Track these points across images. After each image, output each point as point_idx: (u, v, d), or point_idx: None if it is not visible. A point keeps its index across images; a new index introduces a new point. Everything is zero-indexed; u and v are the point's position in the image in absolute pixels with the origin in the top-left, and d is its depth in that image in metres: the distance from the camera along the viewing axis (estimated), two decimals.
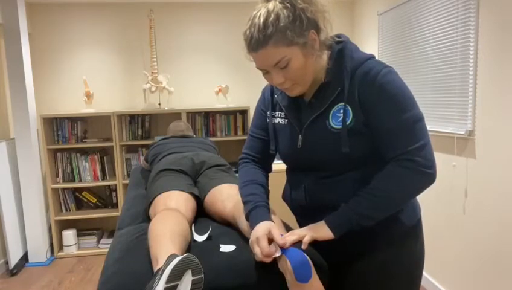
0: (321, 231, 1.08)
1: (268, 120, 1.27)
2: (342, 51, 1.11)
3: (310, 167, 1.17)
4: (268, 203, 1.21)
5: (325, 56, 1.12)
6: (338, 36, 1.16)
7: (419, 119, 1.04)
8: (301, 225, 1.28)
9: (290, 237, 1.08)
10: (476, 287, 2.32)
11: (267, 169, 1.34)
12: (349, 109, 1.07)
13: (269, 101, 1.27)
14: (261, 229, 1.09)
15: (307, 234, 1.08)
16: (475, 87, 2.23)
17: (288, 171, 1.30)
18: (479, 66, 2.19)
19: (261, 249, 1.05)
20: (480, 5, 2.16)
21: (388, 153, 1.07)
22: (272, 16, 1.00)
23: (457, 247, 2.47)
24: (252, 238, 1.09)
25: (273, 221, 1.15)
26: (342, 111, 1.08)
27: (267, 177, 1.31)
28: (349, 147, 1.07)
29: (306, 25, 1.02)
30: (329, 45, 1.11)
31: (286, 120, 1.21)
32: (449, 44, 2.42)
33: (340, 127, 1.08)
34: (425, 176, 1.04)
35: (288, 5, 1.01)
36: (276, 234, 1.07)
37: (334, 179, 1.13)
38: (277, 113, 1.25)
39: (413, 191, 1.07)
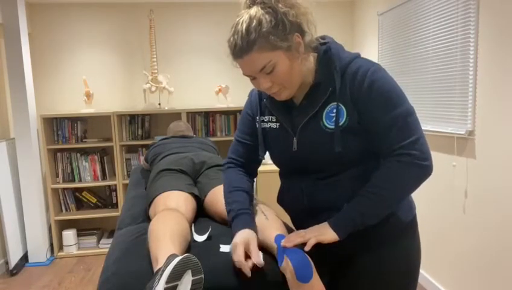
0: (326, 233, 1.08)
1: (257, 125, 1.25)
2: (328, 52, 1.11)
3: (306, 169, 1.17)
4: (250, 210, 1.19)
5: (311, 58, 1.13)
6: (322, 38, 1.16)
7: (410, 113, 1.05)
8: (298, 228, 1.27)
9: (294, 238, 1.08)
10: (476, 287, 2.32)
11: (252, 174, 1.33)
12: (343, 108, 1.08)
13: (257, 105, 1.26)
14: (240, 236, 1.10)
15: (312, 236, 1.08)
16: (475, 87, 2.23)
17: (282, 176, 1.29)
18: (479, 66, 2.19)
19: (235, 256, 1.06)
20: (480, 5, 2.16)
21: (383, 149, 1.07)
22: (254, 21, 1.00)
23: (457, 247, 2.47)
24: (231, 245, 1.10)
25: (255, 228, 1.15)
26: (335, 111, 1.08)
27: (251, 183, 1.30)
28: (343, 146, 1.07)
29: (289, 28, 1.02)
30: (314, 47, 1.12)
31: (278, 124, 1.19)
32: (449, 44, 2.42)
33: (334, 127, 1.08)
34: (423, 168, 1.05)
35: (270, 9, 1.01)
36: (253, 249, 1.07)
37: (331, 180, 1.13)
38: (266, 117, 1.23)
39: (412, 184, 1.07)
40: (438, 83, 2.56)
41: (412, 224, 1.21)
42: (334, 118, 1.08)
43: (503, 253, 2.09)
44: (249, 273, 1.04)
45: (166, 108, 3.84)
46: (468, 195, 2.35)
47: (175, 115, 3.93)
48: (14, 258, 3.35)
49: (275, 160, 1.25)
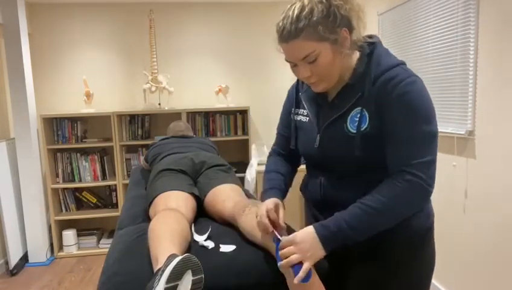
0: (316, 253, 1.03)
1: (292, 117, 1.29)
2: (370, 55, 1.10)
3: (325, 167, 1.19)
4: (280, 187, 1.25)
5: (354, 56, 1.12)
6: (370, 37, 1.15)
7: (432, 135, 1.03)
8: (315, 216, 1.27)
9: (287, 253, 1.05)
10: (476, 287, 2.31)
11: (294, 163, 1.37)
12: (366, 114, 1.07)
13: (293, 98, 1.29)
14: (269, 201, 1.17)
15: (301, 257, 1.02)
16: (475, 87, 2.23)
17: (306, 167, 1.33)
18: (479, 66, 2.19)
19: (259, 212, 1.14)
20: (480, 5, 2.16)
21: (393, 162, 1.05)
22: (306, 9, 1.01)
23: (457, 247, 2.47)
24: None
25: (281, 202, 1.20)
26: (358, 116, 1.08)
27: (290, 167, 1.35)
28: (362, 151, 1.07)
29: (339, 22, 1.02)
30: (360, 46, 1.11)
31: (308, 118, 1.23)
32: (449, 44, 2.42)
33: (356, 131, 1.08)
34: (425, 192, 1.03)
35: (323, 0, 1.02)
36: (281, 214, 1.14)
37: (348, 181, 1.14)
38: (300, 110, 1.27)
39: (411, 205, 1.05)
40: (438, 83, 2.56)
41: (428, 232, 1.18)
42: (356, 122, 1.08)
43: (503, 253, 2.09)
44: (267, 227, 1.11)
45: (166, 108, 3.84)
46: (468, 195, 2.34)
47: (175, 115, 3.93)
48: (14, 258, 3.35)
49: (301, 152, 1.28)
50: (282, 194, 1.26)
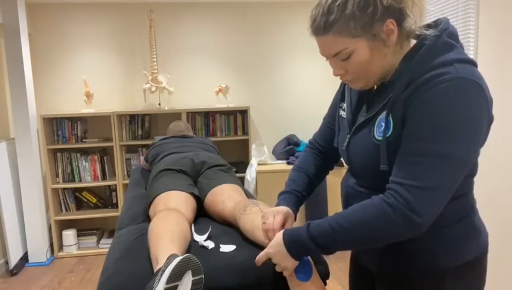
0: (287, 264, 1.00)
1: (337, 111, 1.15)
2: (418, 49, 0.89)
3: (354, 172, 1.07)
4: (300, 192, 1.17)
5: (407, 48, 0.93)
6: (435, 23, 0.94)
7: (449, 158, 0.82)
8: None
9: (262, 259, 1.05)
10: None
11: (330, 160, 1.24)
12: (391, 120, 0.90)
13: (340, 90, 1.15)
14: (281, 208, 1.10)
15: (277, 263, 1.01)
16: None
17: None
18: (479, 66, 2.19)
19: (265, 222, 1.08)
20: (480, 5, 2.16)
21: (391, 176, 0.89)
22: None
23: None
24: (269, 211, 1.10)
25: (293, 208, 1.13)
26: (385, 121, 0.91)
27: (324, 165, 1.23)
28: (388, 165, 0.90)
29: (380, 14, 0.85)
30: (419, 35, 0.92)
31: (346, 114, 1.08)
32: None
33: (381, 138, 0.92)
34: (408, 222, 0.83)
35: None
36: (288, 224, 1.07)
37: (370, 193, 0.94)
38: (343, 104, 1.12)
39: (384, 234, 0.87)
40: None
41: (475, 263, 1.00)
42: (382, 128, 0.92)
43: (503, 253, 2.09)
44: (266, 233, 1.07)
45: (166, 108, 3.84)
46: None
47: (175, 115, 3.93)
48: (14, 258, 3.35)
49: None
50: (299, 202, 1.16)
